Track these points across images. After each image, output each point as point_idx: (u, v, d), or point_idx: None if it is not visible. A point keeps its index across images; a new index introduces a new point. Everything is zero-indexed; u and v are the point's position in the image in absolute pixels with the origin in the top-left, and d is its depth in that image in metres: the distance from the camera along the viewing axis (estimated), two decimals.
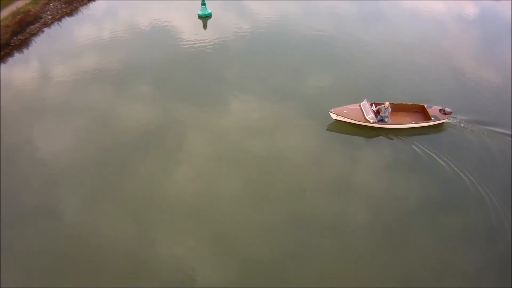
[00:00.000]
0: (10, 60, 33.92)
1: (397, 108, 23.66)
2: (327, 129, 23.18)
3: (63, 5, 39.98)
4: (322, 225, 18.65)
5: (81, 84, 29.60)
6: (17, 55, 34.59)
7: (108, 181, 21.89)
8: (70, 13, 39.26)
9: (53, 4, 39.70)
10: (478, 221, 19.12)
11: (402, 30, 33.27)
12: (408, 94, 25.54)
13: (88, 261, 18.27)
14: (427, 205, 19.52)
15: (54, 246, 19.03)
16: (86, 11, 39.95)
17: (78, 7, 40.21)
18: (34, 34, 36.47)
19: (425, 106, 23.92)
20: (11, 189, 21.81)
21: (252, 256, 17.77)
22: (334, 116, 23.50)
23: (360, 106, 23.59)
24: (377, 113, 23.32)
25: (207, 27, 35.40)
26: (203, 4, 35.79)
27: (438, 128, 23.21)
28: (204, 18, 36.16)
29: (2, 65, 33.43)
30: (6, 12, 37.38)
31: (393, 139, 22.58)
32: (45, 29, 37.24)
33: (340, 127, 23.20)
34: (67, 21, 38.22)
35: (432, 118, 23.20)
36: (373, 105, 23.61)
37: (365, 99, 23.56)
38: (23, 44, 35.49)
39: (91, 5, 40.81)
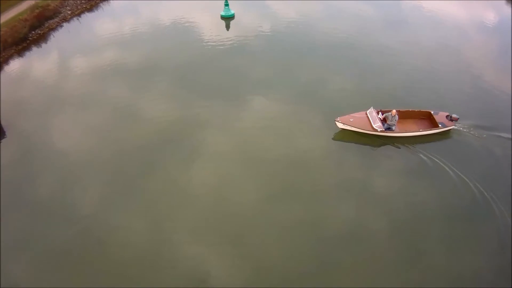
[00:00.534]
0: (28, 54, 33.87)
1: (403, 115, 23.30)
2: (333, 138, 22.92)
3: (83, 1, 39.34)
4: (336, 231, 18.63)
5: (101, 79, 29.54)
6: (35, 49, 34.36)
7: (126, 177, 21.89)
8: (90, 9, 38.69)
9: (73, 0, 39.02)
10: (486, 229, 18.75)
11: (423, 35, 32.41)
12: (423, 100, 25.09)
13: (103, 257, 18.35)
14: (435, 213, 19.26)
15: (68, 240, 19.09)
16: (107, 7, 39.39)
17: (99, 3, 39.55)
18: (53, 29, 36.17)
19: (432, 112, 23.45)
20: (27, 181, 22.09)
21: (265, 258, 17.75)
22: (340, 125, 23.12)
23: (366, 114, 23.17)
24: (383, 121, 22.88)
25: (230, 28, 35.06)
26: (226, 5, 35.37)
27: (445, 135, 22.81)
28: (227, 19, 35.72)
29: (20, 58, 33.34)
30: (25, 5, 36.55)
31: (400, 148, 22.22)
32: (64, 24, 36.87)
33: (347, 136, 22.90)
34: (87, 16, 37.77)
35: (440, 125, 22.73)
36: (380, 112, 23.21)
37: (371, 107, 23.15)
38: (41, 38, 35.21)
39: (112, 1, 40.33)
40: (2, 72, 32.59)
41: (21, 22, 35.18)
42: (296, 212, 19.35)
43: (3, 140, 26.46)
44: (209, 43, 32.60)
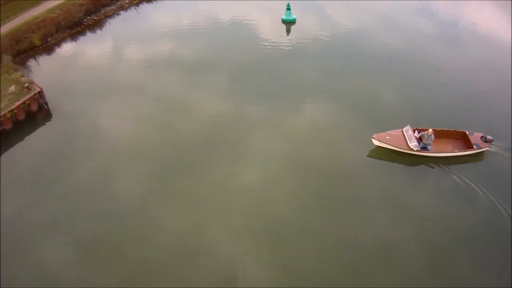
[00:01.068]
0: (81, 38, 33.69)
1: (438, 135, 23.20)
2: (368, 155, 22.98)
3: None
4: (368, 243, 18.82)
5: (154, 70, 29.62)
6: (89, 34, 34.05)
7: (169, 170, 22.12)
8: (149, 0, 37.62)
9: None
10: None
11: (474, 55, 31.22)
12: (462, 119, 24.95)
13: (139, 247, 18.65)
14: (464, 235, 19.26)
15: (106, 229, 19.44)
16: None
17: None
18: (109, 16, 35.67)
19: (467, 133, 23.43)
20: (70, 165, 22.54)
21: (298, 263, 18.08)
22: (376, 143, 23.09)
23: (403, 132, 23.16)
24: (419, 140, 22.85)
25: (290, 32, 34.32)
26: (288, 9, 34.84)
27: (478, 156, 22.80)
28: (288, 23, 35.03)
29: (73, 42, 33.17)
30: None
31: (433, 168, 22.28)
32: (122, 12, 36.25)
33: (382, 153, 22.96)
34: (145, 7, 37.08)
35: (474, 147, 22.76)
36: (416, 131, 23.10)
37: (408, 125, 23.18)
38: (96, 24, 34.87)
39: None
40: (53, 54, 31.92)
41: (76, 6, 34.40)
42: (331, 222, 19.73)
43: (48, 123, 26.15)
44: (267, 45, 32.15)
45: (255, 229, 19.24)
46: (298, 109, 25.64)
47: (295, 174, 21.66)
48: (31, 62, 30.78)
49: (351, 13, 35.98)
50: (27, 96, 26.01)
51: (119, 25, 34.71)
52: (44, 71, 29.82)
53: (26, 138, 24.78)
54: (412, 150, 22.37)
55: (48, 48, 32.01)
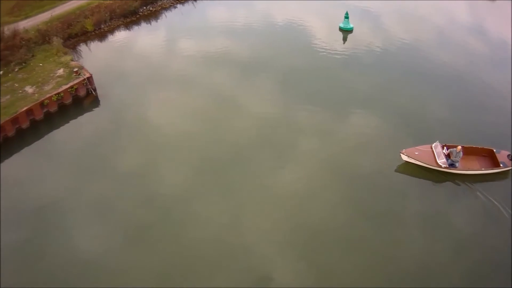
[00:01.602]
0: (136, 28, 32.76)
1: (466, 151, 23.30)
2: (395, 170, 22.76)
3: None
4: (400, 255, 18.75)
5: (206, 64, 29.11)
6: (144, 24, 33.02)
7: (213, 166, 22.01)
8: None
9: None
10: None
11: None
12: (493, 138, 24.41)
13: (176, 238, 18.78)
14: (485, 256, 18.92)
15: (147, 216, 19.55)
16: None
17: None
18: (166, 8, 34.52)
19: (494, 150, 23.44)
20: (114, 152, 22.50)
21: (329, 269, 18.01)
22: (405, 158, 23.10)
23: (431, 148, 23.22)
24: (447, 156, 22.86)
25: (347, 40, 33.01)
26: (346, 18, 33.64)
27: (504, 174, 22.75)
28: (345, 31, 33.96)
29: (127, 31, 32.41)
30: None
31: (460, 185, 22.19)
32: (179, 5, 35.13)
33: (410, 168, 22.78)
34: (202, 2, 35.80)
35: (501, 165, 22.77)
36: (445, 147, 23.17)
37: (437, 141, 23.18)
38: (152, 15, 33.81)
39: None
40: (105, 41, 30.90)
41: None
42: (366, 231, 19.52)
43: (95, 109, 25.26)
44: (321, 51, 31.08)
45: (292, 234, 19.27)
46: (345, 118, 25.60)
47: (336, 182, 21.77)
48: (82, 47, 29.76)
49: (406, 25, 34.72)
50: (76, 81, 24.95)
51: (175, 18, 33.57)
52: (94, 57, 28.78)
53: (72, 122, 23.87)
54: (441, 167, 22.47)
55: (100, 34, 30.99)
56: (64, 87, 24.45)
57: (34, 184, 20.61)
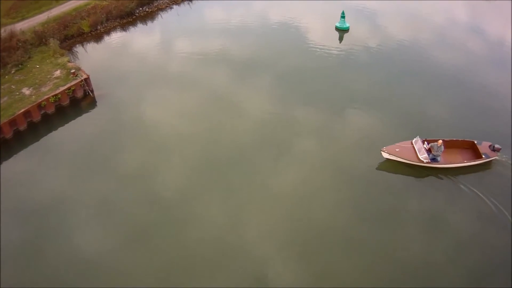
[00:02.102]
0: (132, 29, 32.82)
1: (447, 145, 23.33)
2: (376, 168, 22.73)
3: None
4: (400, 255, 18.75)
5: (203, 65, 29.15)
6: (140, 25, 33.08)
7: (212, 165, 22.07)
8: None
9: None
10: None
11: None
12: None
13: (176, 237, 18.91)
14: (470, 246, 19.27)
15: (146, 216, 19.69)
16: None
17: None
18: (162, 9, 34.63)
19: (475, 142, 23.61)
20: (113, 152, 22.55)
21: (328, 269, 18.07)
22: (385, 155, 23.00)
23: (412, 144, 23.22)
24: (429, 151, 22.89)
25: (342, 40, 33.19)
26: (343, 17, 33.80)
27: (487, 165, 22.97)
28: (342, 31, 34.10)
29: (123, 32, 32.45)
30: None
31: (442, 179, 22.33)
32: (175, 6, 35.23)
33: (391, 166, 22.81)
34: (198, 3, 35.92)
35: (483, 156, 22.94)
36: (425, 142, 23.21)
37: (417, 136, 23.25)
38: (148, 16, 33.88)
39: None
40: (101, 42, 30.98)
41: None
42: (366, 231, 19.57)
43: (92, 110, 25.35)
44: (318, 50, 31.20)
45: (292, 233, 19.28)
46: (344, 117, 25.66)
47: (335, 182, 21.75)
48: (79, 49, 29.77)
49: (404, 25, 34.87)
50: (73, 82, 24.94)
51: (171, 19, 33.65)
52: (91, 58, 28.83)
53: (69, 123, 23.96)
54: (422, 162, 22.48)
55: (97, 35, 31.01)
56: (62, 88, 24.44)
57: (33, 185, 20.59)
